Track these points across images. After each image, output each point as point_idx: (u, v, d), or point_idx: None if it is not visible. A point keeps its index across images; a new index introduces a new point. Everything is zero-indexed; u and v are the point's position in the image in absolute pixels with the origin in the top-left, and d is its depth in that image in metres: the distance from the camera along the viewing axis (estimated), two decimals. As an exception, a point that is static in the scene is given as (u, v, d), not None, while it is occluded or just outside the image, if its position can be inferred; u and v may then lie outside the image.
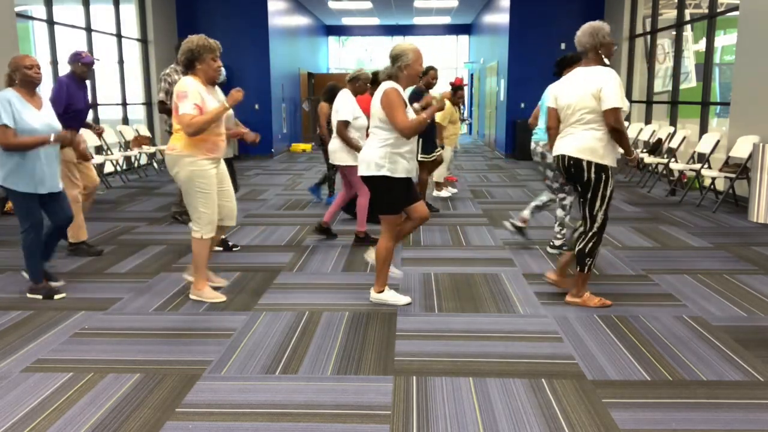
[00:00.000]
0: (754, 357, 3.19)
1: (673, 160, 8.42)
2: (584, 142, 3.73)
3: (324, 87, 7.29)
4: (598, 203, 3.79)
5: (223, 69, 7.01)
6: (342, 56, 22.84)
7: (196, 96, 3.78)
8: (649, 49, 10.99)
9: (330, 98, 7.31)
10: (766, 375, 2.99)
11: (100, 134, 5.68)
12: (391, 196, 3.83)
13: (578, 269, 3.93)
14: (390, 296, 4.03)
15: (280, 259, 5.12)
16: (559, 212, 5.18)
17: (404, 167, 3.80)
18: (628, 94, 11.67)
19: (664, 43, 10.88)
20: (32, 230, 4.04)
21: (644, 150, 9.44)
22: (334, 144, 5.49)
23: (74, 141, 4.32)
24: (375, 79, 5.91)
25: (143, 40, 11.79)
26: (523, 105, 12.93)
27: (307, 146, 15.31)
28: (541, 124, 5.14)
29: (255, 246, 5.56)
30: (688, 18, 9.87)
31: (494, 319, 3.75)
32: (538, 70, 12.76)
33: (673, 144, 8.53)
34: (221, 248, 5.37)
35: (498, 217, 6.85)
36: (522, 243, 5.49)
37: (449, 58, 21.95)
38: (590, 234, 3.85)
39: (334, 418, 2.60)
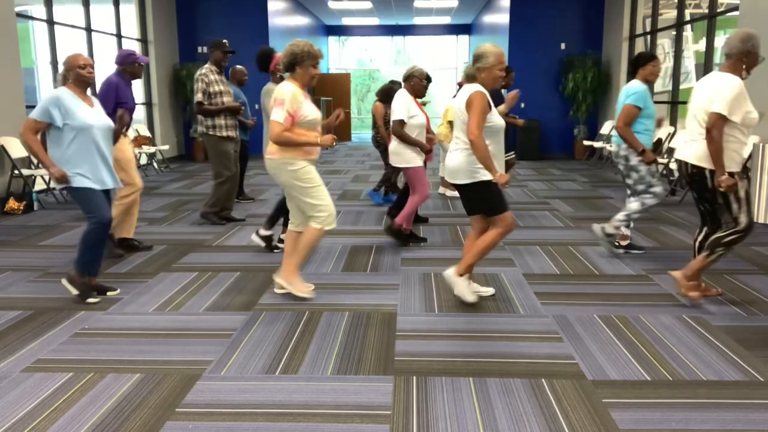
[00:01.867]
0: (754, 357, 3.19)
1: (673, 160, 8.42)
2: (702, 150, 3.73)
3: (380, 87, 7.49)
4: (735, 207, 3.73)
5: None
6: (342, 56, 22.84)
7: (292, 103, 3.78)
8: (649, 49, 11.00)
9: (384, 99, 7.36)
10: (766, 375, 2.99)
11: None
12: (493, 198, 3.78)
13: (705, 254, 3.81)
14: (462, 285, 3.95)
15: (280, 259, 5.12)
16: (635, 205, 4.95)
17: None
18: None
19: (664, 43, 10.88)
20: (101, 227, 3.92)
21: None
22: (392, 145, 5.41)
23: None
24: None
25: (143, 40, 11.79)
26: (523, 105, 12.93)
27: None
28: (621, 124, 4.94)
29: (255, 246, 5.56)
30: (688, 18, 9.87)
31: (494, 319, 3.75)
32: (538, 70, 12.76)
33: (674, 144, 8.53)
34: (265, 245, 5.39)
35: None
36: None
37: (449, 58, 21.93)
38: (735, 230, 3.75)
39: (334, 418, 2.60)
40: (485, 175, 3.73)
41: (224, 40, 6.20)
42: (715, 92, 3.66)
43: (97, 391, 2.83)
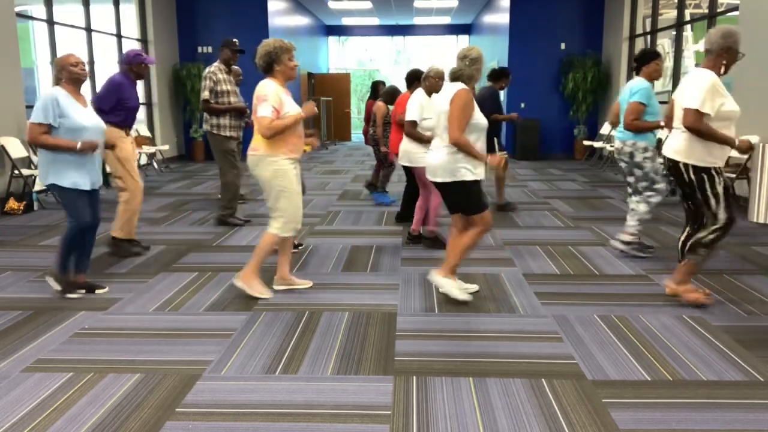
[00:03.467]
0: (754, 357, 3.19)
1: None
2: (679, 143, 3.74)
3: (385, 88, 7.51)
4: (713, 202, 3.73)
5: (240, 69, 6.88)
6: (342, 56, 22.84)
7: (275, 99, 3.82)
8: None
9: (389, 100, 7.38)
10: (766, 375, 2.99)
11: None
12: (472, 197, 3.81)
13: (688, 258, 3.82)
14: (449, 284, 3.97)
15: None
16: (642, 207, 4.97)
17: (478, 167, 3.78)
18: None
19: (664, 43, 10.88)
20: (78, 227, 3.98)
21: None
22: (404, 145, 5.42)
23: (112, 143, 4.36)
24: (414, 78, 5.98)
25: (143, 40, 11.79)
26: (523, 105, 12.93)
27: (307, 146, 15.30)
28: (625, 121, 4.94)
29: (255, 246, 5.56)
30: (688, 18, 9.87)
31: (494, 319, 3.75)
32: (538, 70, 12.76)
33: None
34: (295, 250, 5.37)
35: (497, 217, 6.85)
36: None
37: (449, 58, 21.93)
38: (713, 228, 3.75)
39: (334, 418, 2.60)
40: (466, 175, 3.76)
41: (234, 39, 6.18)
42: (689, 88, 3.70)
43: (97, 391, 2.83)
